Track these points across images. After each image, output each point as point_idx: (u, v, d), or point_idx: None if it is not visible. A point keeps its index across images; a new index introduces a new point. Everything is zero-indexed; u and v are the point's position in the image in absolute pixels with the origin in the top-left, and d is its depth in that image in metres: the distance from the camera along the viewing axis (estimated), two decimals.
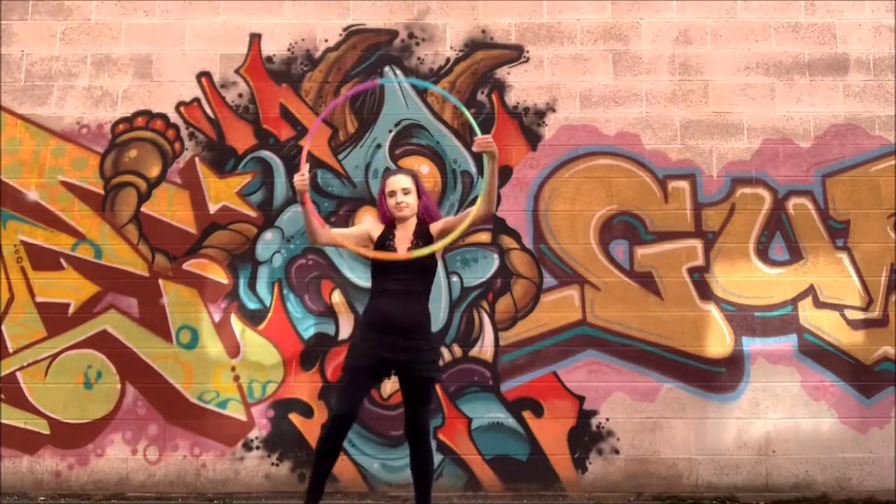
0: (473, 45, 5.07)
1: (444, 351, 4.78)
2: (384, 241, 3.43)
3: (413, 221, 3.48)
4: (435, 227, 3.45)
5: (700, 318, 4.81)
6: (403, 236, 3.44)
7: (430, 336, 3.46)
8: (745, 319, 4.80)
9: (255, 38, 5.08)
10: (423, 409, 3.39)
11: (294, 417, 4.73)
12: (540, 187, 4.92)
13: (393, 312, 3.31)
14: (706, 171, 4.94)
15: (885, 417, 4.71)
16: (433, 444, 4.65)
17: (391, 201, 3.45)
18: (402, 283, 3.34)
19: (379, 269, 3.42)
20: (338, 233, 3.54)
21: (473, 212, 3.26)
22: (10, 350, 4.78)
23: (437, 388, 4.74)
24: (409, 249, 3.38)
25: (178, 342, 4.79)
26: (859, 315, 4.81)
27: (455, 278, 4.84)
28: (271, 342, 4.80)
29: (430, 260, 3.39)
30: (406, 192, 3.44)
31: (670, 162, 4.95)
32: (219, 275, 4.86)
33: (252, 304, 4.84)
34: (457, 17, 5.09)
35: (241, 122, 5.00)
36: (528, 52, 5.07)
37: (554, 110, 5.01)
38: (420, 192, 3.51)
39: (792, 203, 4.91)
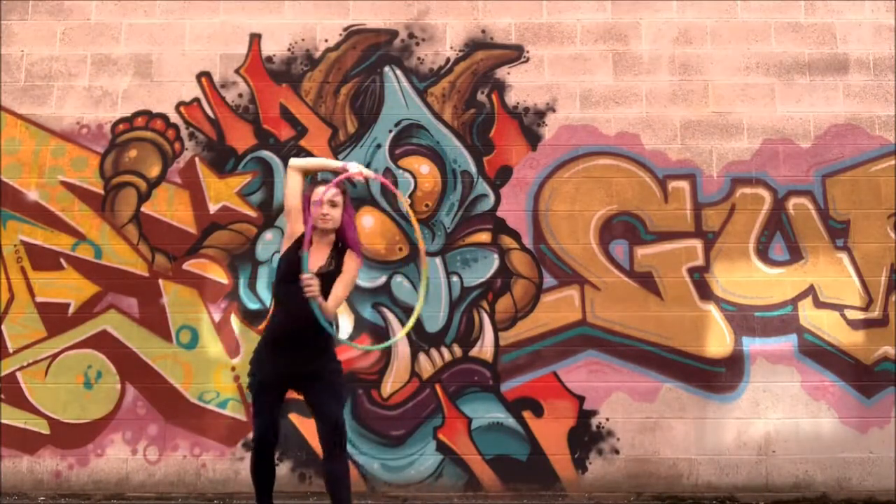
0: (473, 45, 5.07)
1: (444, 351, 4.78)
2: (297, 251, 3.27)
3: (332, 237, 3.39)
4: (350, 258, 3.38)
5: (700, 318, 4.81)
6: (318, 253, 3.34)
7: (332, 351, 3.43)
8: (745, 319, 4.80)
9: (255, 38, 5.08)
10: (336, 405, 3.39)
11: (294, 417, 4.73)
12: (540, 187, 4.92)
13: (292, 323, 3.26)
14: (706, 171, 4.94)
15: (885, 417, 4.71)
16: (433, 444, 4.68)
17: (316, 210, 3.31)
18: (303, 298, 3.17)
19: (286, 274, 3.30)
20: (295, 188, 3.40)
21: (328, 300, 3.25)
22: (10, 350, 4.78)
23: (437, 388, 4.75)
24: (321, 269, 3.28)
25: (178, 342, 4.79)
26: (859, 315, 4.81)
27: (455, 278, 4.84)
28: None
29: (333, 280, 3.30)
30: (333, 204, 3.33)
31: (670, 162, 4.95)
32: (219, 275, 4.86)
33: (252, 304, 4.84)
34: (457, 17, 5.09)
35: (241, 122, 5.00)
36: (528, 52, 5.07)
37: (554, 110, 5.01)
38: (345, 207, 3.40)
39: (792, 203, 4.91)
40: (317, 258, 3.32)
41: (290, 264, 3.28)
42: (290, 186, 3.40)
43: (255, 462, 3.40)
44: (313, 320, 3.15)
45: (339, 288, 3.32)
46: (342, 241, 3.42)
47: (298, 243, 3.30)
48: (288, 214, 3.42)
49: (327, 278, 3.26)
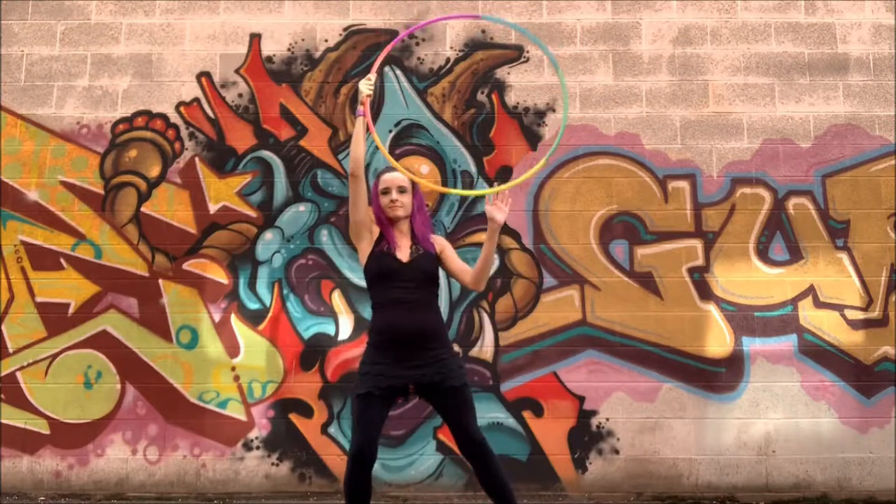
0: (473, 45, 5.07)
1: None
2: (380, 247, 3.10)
3: (408, 225, 3.18)
4: (438, 242, 3.18)
5: (700, 318, 4.81)
6: (402, 241, 3.13)
7: (449, 343, 3.13)
8: (745, 319, 4.80)
9: (255, 38, 5.08)
10: (470, 418, 3.01)
11: (294, 417, 4.73)
12: (540, 187, 4.92)
13: (405, 324, 2.98)
14: (706, 171, 4.94)
15: (885, 417, 4.71)
16: (433, 444, 4.67)
17: (384, 199, 3.13)
18: (409, 291, 3.02)
19: (377, 278, 3.08)
20: (364, 195, 3.12)
21: (464, 278, 3.11)
22: (10, 350, 4.78)
23: None
24: (412, 254, 3.09)
25: (178, 342, 4.79)
26: (859, 315, 4.81)
27: None
28: (271, 342, 4.80)
29: (435, 266, 3.11)
30: (402, 190, 3.15)
31: (670, 162, 4.95)
32: (219, 275, 4.86)
33: (252, 304, 4.84)
34: None
35: (241, 122, 5.00)
36: (528, 52, 5.07)
37: (554, 110, 5.01)
38: (415, 193, 3.22)
39: (792, 203, 4.91)
40: (403, 247, 3.11)
41: (376, 260, 3.08)
42: (353, 194, 3.11)
43: (349, 477, 3.02)
44: (418, 317, 2.98)
45: (456, 262, 3.15)
46: (416, 227, 3.19)
47: (377, 244, 3.11)
48: (357, 235, 3.16)
49: (424, 264, 3.06)
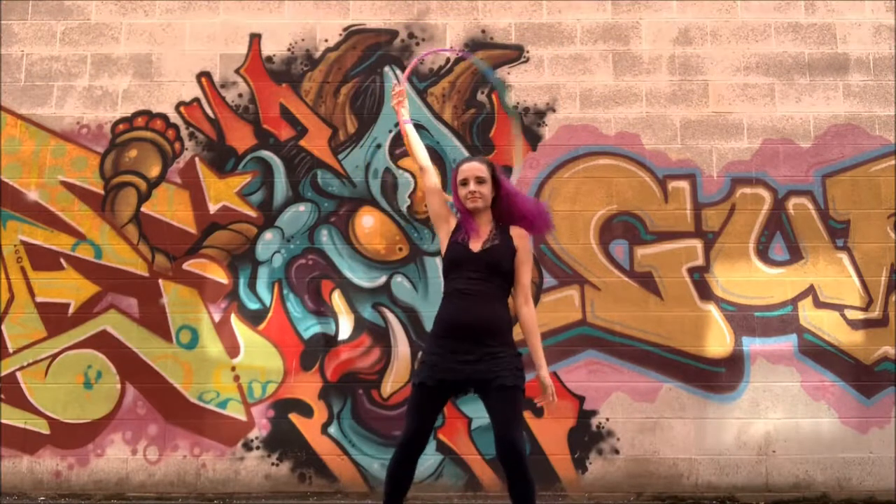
0: (473, 45, 5.07)
1: None
2: (455, 236, 3.05)
3: (488, 215, 3.09)
4: (517, 233, 3.07)
5: (700, 318, 4.81)
6: (483, 230, 3.06)
7: (512, 341, 3.00)
8: (745, 319, 4.80)
9: (255, 38, 5.08)
10: (513, 421, 2.86)
11: (294, 417, 4.73)
12: (540, 187, 4.92)
13: (463, 315, 2.92)
14: (706, 171, 4.94)
15: (885, 417, 4.71)
16: (433, 444, 4.67)
17: (462, 191, 3.05)
18: (473, 282, 2.95)
19: (448, 267, 3.05)
20: (435, 180, 3.18)
21: (516, 292, 3.07)
22: (10, 350, 4.78)
23: None
24: (484, 244, 3.01)
25: (178, 342, 4.79)
26: (859, 315, 4.81)
27: None
28: (271, 342, 4.80)
29: (507, 258, 3.01)
30: (480, 181, 3.05)
31: (670, 162, 4.95)
32: (219, 275, 4.86)
33: (252, 304, 4.84)
34: (457, 17, 5.09)
35: (241, 122, 5.00)
36: (528, 52, 5.07)
37: (554, 110, 5.01)
38: (499, 183, 3.09)
39: (792, 203, 4.91)
40: (477, 240, 3.03)
41: (449, 250, 3.04)
42: (424, 187, 3.22)
43: (395, 464, 2.93)
44: (478, 309, 2.91)
45: (523, 274, 3.04)
46: (503, 219, 3.10)
47: (454, 233, 3.07)
48: (435, 226, 3.19)
49: (494, 255, 2.99)
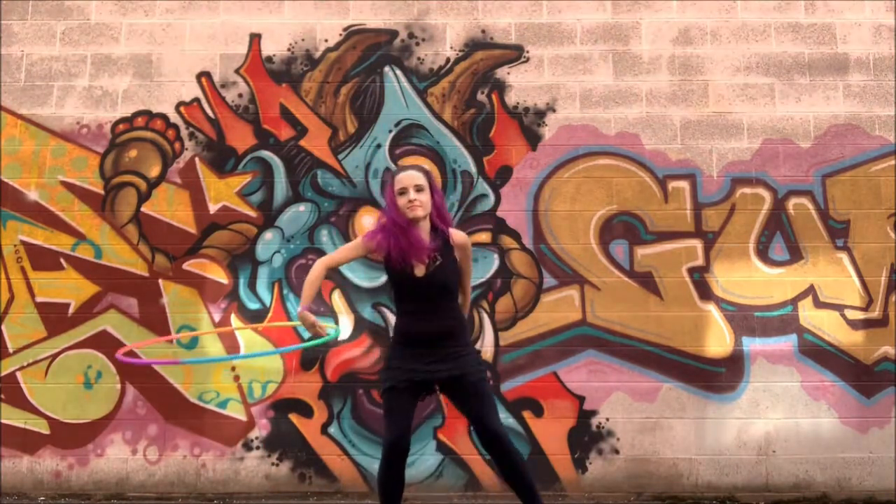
0: (473, 45, 5.07)
1: None
2: (395, 263, 3.06)
3: (427, 226, 3.10)
4: (458, 241, 3.14)
5: (700, 318, 4.81)
6: (419, 243, 3.07)
7: (469, 340, 3.18)
8: (745, 319, 4.80)
9: (255, 38, 5.08)
10: (490, 410, 3.04)
11: (294, 417, 4.73)
12: (540, 187, 4.92)
13: (421, 328, 3.05)
14: (706, 171, 4.94)
15: (885, 417, 4.71)
16: (433, 444, 4.67)
17: (402, 200, 3.04)
18: (423, 304, 3.05)
19: (396, 291, 3.14)
20: (341, 256, 3.21)
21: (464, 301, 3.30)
22: (10, 350, 4.78)
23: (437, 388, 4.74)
24: (428, 268, 3.05)
25: (178, 342, 4.79)
26: (859, 315, 4.81)
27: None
28: (271, 342, 4.80)
29: (453, 277, 3.09)
30: (419, 188, 3.05)
31: (670, 162, 4.95)
32: (219, 275, 4.86)
33: (252, 304, 4.84)
34: (457, 16, 5.09)
35: (241, 122, 5.00)
36: (528, 52, 5.07)
37: (554, 110, 5.01)
38: (433, 191, 3.12)
39: (792, 203, 4.91)
40: (419, 264, 3.07)
41: (392, 277, 3.12)
42: (346, 260, 3.28)
43: (384, 468, 3.07)
44: (436, 323, 3.04)
45: (467, 284, 3.26)
46: (437, 225, 3.12)
47: (389, 259, 3.08)
48: (373, 259, 3.34)
49: (439, 278, 3.05)
